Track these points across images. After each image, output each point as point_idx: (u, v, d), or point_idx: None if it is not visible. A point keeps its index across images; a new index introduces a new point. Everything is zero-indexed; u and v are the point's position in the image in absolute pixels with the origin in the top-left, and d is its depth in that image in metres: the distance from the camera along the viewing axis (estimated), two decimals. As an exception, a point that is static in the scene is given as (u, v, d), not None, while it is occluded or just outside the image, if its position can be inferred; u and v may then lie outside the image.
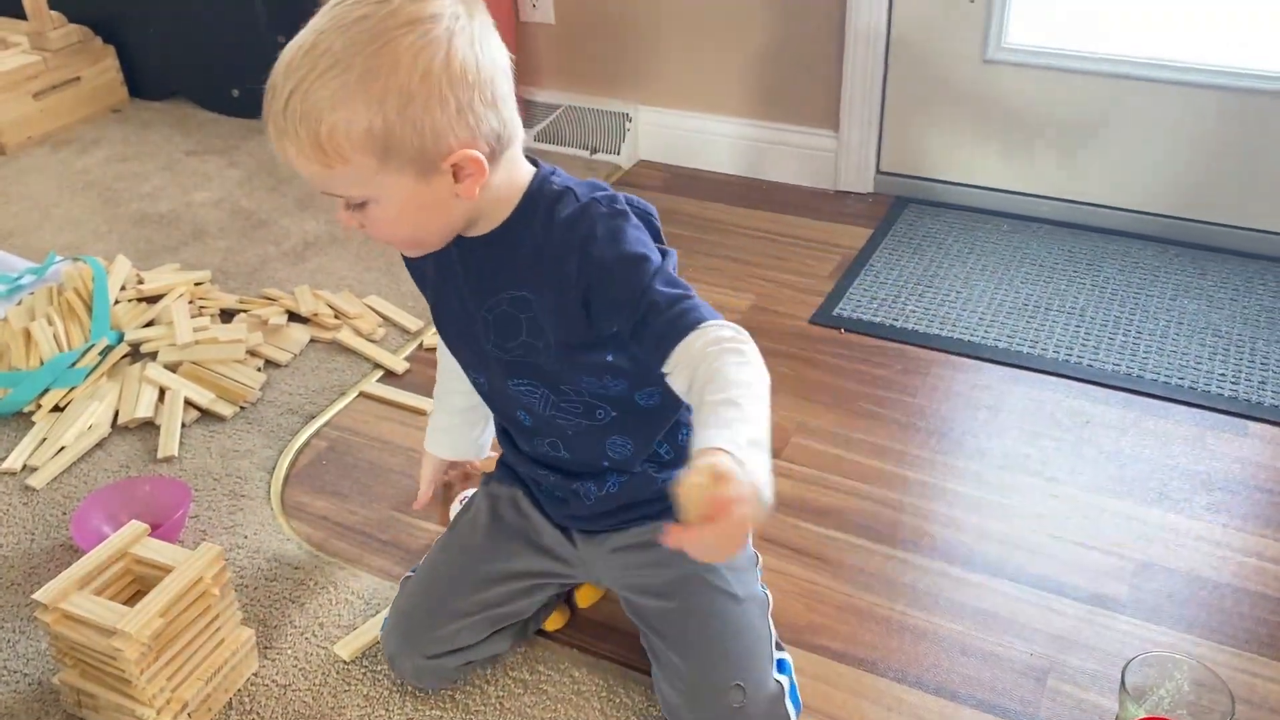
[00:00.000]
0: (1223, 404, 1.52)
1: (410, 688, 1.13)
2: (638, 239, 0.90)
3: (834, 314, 1.75)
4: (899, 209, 2.06)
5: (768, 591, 1.10)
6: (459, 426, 1.22)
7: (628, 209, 0.92)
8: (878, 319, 1.74)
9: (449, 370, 1.16)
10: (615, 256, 0.89)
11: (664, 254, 0.92)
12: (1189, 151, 1.87)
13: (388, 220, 0.87)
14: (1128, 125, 1.89)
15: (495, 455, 1.19)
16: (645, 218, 0.95)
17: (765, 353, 0.84)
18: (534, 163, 0.95)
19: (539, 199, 0.92)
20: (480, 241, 0.94)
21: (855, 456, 1.46)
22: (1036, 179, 2.01)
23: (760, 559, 1.14)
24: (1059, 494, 1.39)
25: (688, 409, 1.01)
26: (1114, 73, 1.86)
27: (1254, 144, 1.82)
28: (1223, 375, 1.57)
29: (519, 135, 0.90)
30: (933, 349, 1.67)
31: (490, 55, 0.84)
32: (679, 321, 0.86)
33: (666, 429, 1.04)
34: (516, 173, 0.93)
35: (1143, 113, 1.87)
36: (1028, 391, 1.58)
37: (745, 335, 0.84)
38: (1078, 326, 1.70)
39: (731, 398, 0.78)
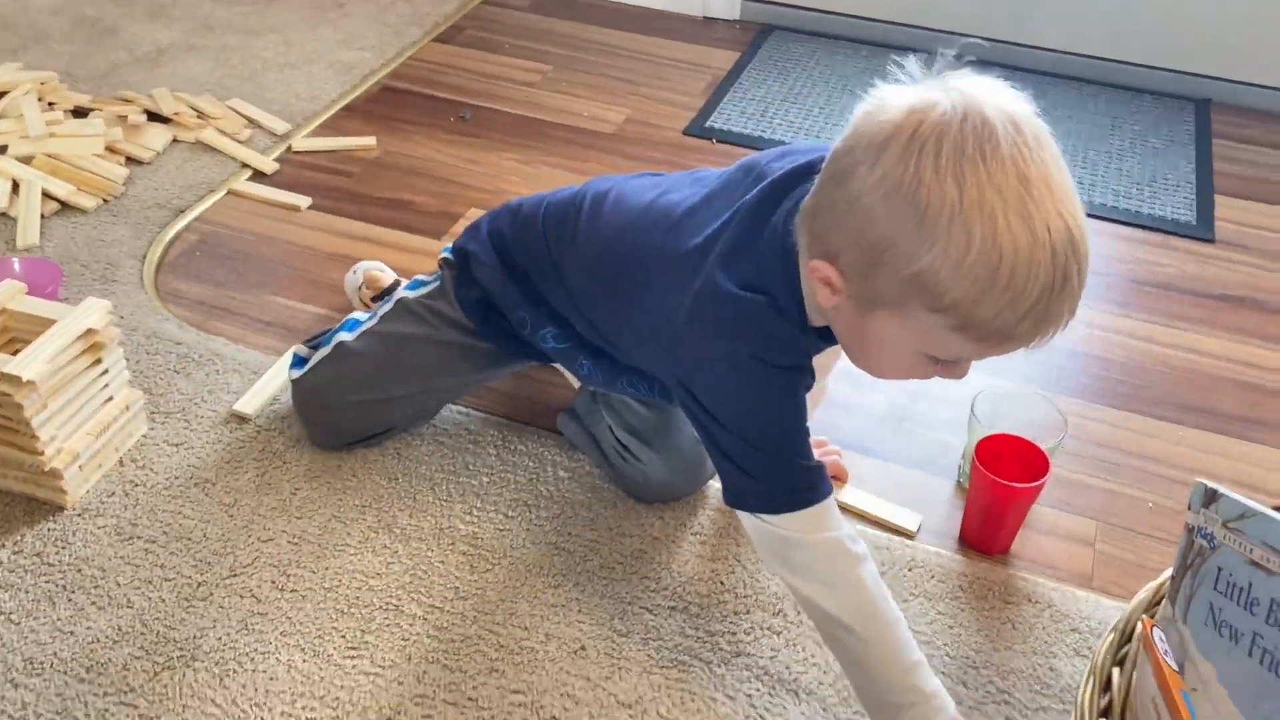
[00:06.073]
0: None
1: (308, 443, 1.16)
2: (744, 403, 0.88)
3: (706, 125, 1.80)
4: (764, 35, 2.11)
5: None
6: None
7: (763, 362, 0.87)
8: (747, 131, 1.80)
9: None
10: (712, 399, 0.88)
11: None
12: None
13: None
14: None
15: None
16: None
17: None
18: None
19: None
20: None
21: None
22: (896, 6, 2.08)
23: None
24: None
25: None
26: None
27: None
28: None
29: None
30: (799, 158, 1.74)
31: None
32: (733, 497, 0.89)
33: None
34: None
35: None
36: (886, 196, 1.66)
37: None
38: (931, 142, 1.80)
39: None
